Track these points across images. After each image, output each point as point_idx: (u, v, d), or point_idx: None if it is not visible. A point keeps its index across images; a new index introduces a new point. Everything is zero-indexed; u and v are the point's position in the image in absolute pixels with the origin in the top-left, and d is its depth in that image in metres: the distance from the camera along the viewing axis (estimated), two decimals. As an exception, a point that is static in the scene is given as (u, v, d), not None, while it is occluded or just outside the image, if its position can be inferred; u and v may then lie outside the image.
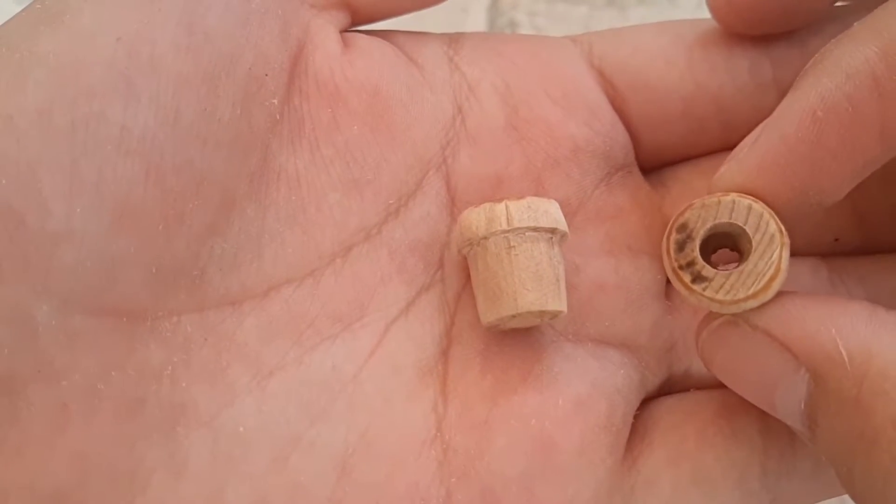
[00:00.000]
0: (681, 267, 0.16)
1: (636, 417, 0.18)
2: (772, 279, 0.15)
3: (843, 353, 0.14)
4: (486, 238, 0.17)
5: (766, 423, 0.17)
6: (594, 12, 0.45)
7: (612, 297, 0.19)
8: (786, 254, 0.16)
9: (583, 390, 0.17)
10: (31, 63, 0.15)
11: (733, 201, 0.16)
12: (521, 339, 0.18)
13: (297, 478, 0.16)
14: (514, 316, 0.17)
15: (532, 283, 0.17)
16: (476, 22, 0.44)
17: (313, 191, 0.17)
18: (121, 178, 0.15)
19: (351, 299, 0.18)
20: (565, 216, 0.18)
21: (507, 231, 0.17)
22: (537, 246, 0.17)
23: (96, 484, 0.15)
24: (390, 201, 0.18)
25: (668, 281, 0.19)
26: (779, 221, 0.16)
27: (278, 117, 0.17)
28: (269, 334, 0.17)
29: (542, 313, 0.17)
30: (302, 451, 0.16)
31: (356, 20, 0.19)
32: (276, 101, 0.17)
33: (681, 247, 0.16)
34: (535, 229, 0.17)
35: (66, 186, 0.15)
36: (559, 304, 0.17)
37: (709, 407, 0.18)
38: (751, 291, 0.16)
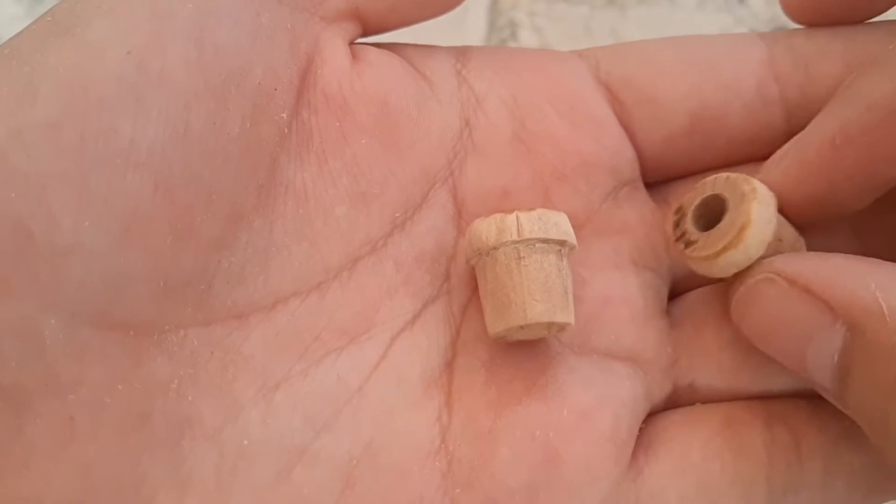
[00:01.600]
0: (677, 240, 0.18)
1: (641, 430, 0.18)
2: (742, 228, 0.17)
3: (884, 305, 0.14)
4: (495, 248, 0.17)
5: (771, 436, 0.18)
6: (594, 12, 0.45)
7: (617, 311, 0.19)
8: (760, 208, 0.17)
9: (588, 402, 0.18)
10: (40, 76, 0.15)
11: (715, 177, 0.18)
12: (526, 350, 0.18)
13: (300, 490, 0.16)
14: (522, 327, 0.17)
15: (541, 295, 0.17)
16: (476, 22, 0.44)
17: (320, 204, 0.17)
18: (130, 191, 0.15)
19: (357, 312, 0.18)
20: (573, 229, 0.18)
21: (518, 242, 0.17)
22: (547, 258, 0.17)
23: (101, 497, 0.15)
24: (397, 214, 0.18)
25: (669, 297, 0.20)
26: (755, 183, 0.17)
27: (287, 131, 0.17)
28: (276, 347, 0.17)
29: (550, 325, 0.17)
30: (306, 463, 0.17)
31: (367, 31, 0.19)
32: (284, 115, 0.17)
33: (677, 224, 0.18)
34: (545, 241, 0.17)
35: (75, 200, 0.15)
36: (567, 316, 0.17)
37: (714, 420, 0.18)
38: (725, 242, 0.17)
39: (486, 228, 0.17)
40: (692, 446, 0.18)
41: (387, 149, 0.18)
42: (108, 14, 0.16)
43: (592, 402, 0.18)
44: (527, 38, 0.44)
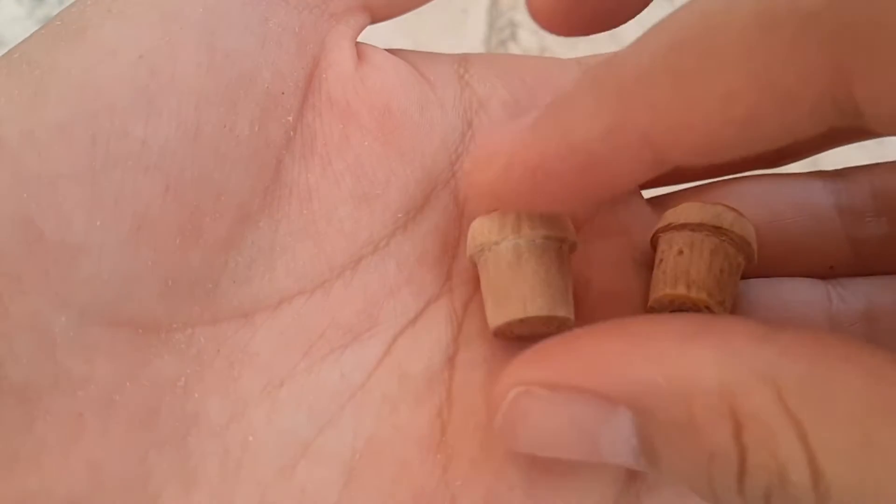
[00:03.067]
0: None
1: None
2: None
3: (662, 380, 0.13)
4: (497, 243, 0.17)
5: None
6: (593, 13, 0.45)
7: (618, 310, 0.19)
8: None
9: None
10: (51, 79, 0.15)
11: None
12: (526, 346, 0.18)
13: (304, 485, 0.17)
14: (521, 321, 0.17)
15: (541, 289, 0.17)
16: (476, 22, 0.45)
17: (324, 204, 0.18)
18: (140, 192, 0.15)
19: (360, 310, 0.18)
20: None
21: (518, 237, 0.17)
22: (547, 254, 0.17)
23: (110, 493, 0.15)
24: (399, 215, 0.18)
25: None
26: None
27: (292, 133, 0.17)
28: (280, 345, 0.17)
29: (550, 319, 0.17)
30: (310, 459, 0.17)
31: (375, 19, 0.19)
32: (290, 117, 0.17)
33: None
34: (546, 237, 0.17)
35: (86, 200, 0.15)
36: (567, 311, 0.17)
37: None
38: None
39: (488, 225, 0.17)
40: None
41: (389, 150, 0.18)
42: (119, 17, 0.16)
43: None
44: (526, 39, 0.45)
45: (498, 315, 0.17)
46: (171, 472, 0.16)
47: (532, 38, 0.45)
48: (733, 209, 0.18)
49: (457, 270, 0.19)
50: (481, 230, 0.18)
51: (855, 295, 0.19)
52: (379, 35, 0.20)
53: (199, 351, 0.16)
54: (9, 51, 0.16)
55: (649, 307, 0.18)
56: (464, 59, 0.20)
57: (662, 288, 0.18)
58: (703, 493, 0.14)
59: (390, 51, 0.19)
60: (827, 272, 0.19)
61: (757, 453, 0.13)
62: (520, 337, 0.18)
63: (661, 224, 0.18)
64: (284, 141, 0.17)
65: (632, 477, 0.18)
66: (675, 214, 0.18)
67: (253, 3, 0.17)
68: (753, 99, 0.12)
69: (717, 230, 0.18)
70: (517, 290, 0.17)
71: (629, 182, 0.15)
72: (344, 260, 0.18)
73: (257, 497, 0.16)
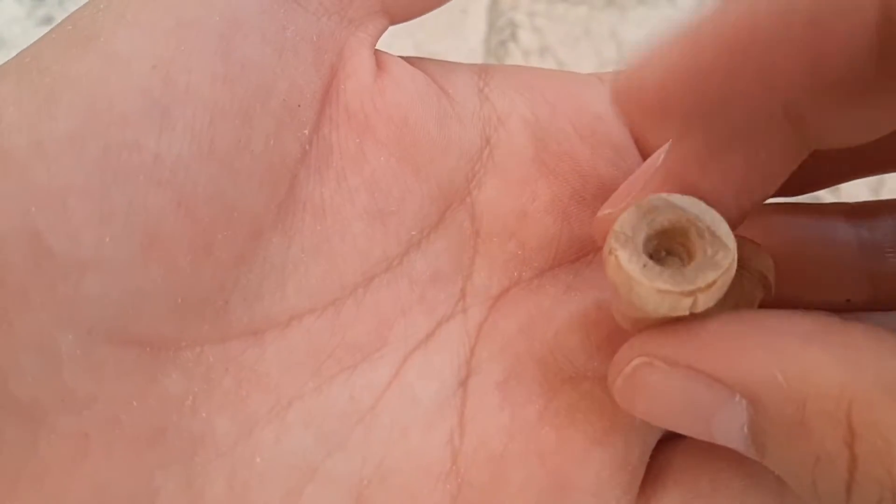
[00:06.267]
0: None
1: (652, 457, 0.18)
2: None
3: (778, 374, 0.13)
4: (656, 311, 0.15)
5: None
6: (594, 13, 0.45)
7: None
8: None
9: (600, 428, 0.17)
10: (62, 87, 0.15)
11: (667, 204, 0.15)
12: (540, 371, 0.18)
13: None
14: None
15: None
16: (476, 22, 0.44)
17: (338, 221, 0.17)
18: (152, 207, 0.15)
19: (371, 329, 0.18)
20: (587, 253, 0.18)
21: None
22: None
23: None
24: (413, 232, 0.18)
25: None
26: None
27: (308, 147, 0.17)
28: (290, 364, 0.17)
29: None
30: (317, 483, 0.16)
31: (393, 21, 0.19)
32: (306, 131, 0.17)
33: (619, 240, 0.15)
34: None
35: (96, 215, 0.15)
36: None
37: (724, 448, 0.18)
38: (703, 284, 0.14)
39: (657, 301, 0.14)
40: (702, 476, 0.18)
41: (405, 166, 0.18)
42: (133, 24, 0.15)
43: (605, 428, 0.17)
44: (526, 39, 0.44)
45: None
46: (178, 492, 0.16)
47: (532, 39, 0.44)
48: (751, 241, 0.17)
49: (471, 290, 0.18)
50: (645, 298, 0.14)
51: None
52: (405, 22, 0.19)
53: (207, 369, 0.16)
54: (18, 54, 0.16)
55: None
56: (484, 71, 0.20)
57: None
58: (807, 496, 0.14)
59: (408, 59, 0.19)
60: (843, 305, 0.19)
61: (869, 465, 0.13)
62: (535, 361, 0.18)
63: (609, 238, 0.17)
64: (300, 155, 0.17)
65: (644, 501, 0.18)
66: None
67: (270, 10, 0.16)
68: None
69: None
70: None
71: (849, 56, 0.12)
72: (356, 278, 0.18)
73: None
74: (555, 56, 0.44)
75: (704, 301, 0.14)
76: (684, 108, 0.13)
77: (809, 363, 0.13)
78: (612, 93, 0.14)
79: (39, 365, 0.14)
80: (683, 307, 0.14)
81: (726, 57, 0.13)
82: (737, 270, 0.16)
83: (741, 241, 0.16)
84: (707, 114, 0.14)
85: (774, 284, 0.18)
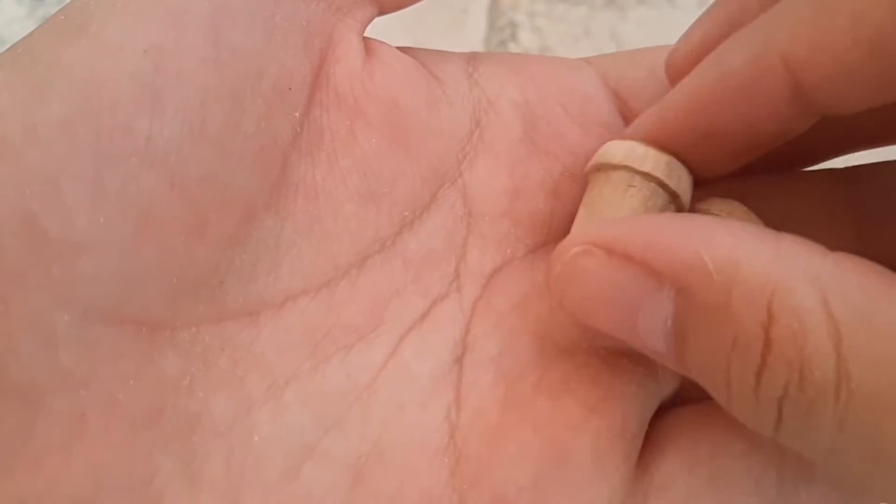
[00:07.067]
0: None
1: (650, 426, 0.18)
2: None
3: (709, 263, 0.14)
4: (615, 169, 0.17)
5: None
6: (594, 13, 0.46)
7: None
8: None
9: (596, 397, 0.18)
10: (55, 74, 0.15)
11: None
12: (535, 345, 0.18)
13: (309, 488, 0.16)
14: None
15: None
16: (476, 22, 0.45)
17: (330, 202, 0.17)
18: (145, 189, 0.15)
19: (366, 310, 0.18)
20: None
21: (637, 171, 0.17)
22: (654, 201, 0.17)
23: (113, 493, 0.15)
24: (405, 213, 0.18)
25: None
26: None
27: (299, 129, 0.17)
28: (285, 344, 0.17)
29: None
30: (315, 461, 0.17)
31: (383, 11, 0.19)
32: (297, 113, 0.17)
33: None
34: (662, 184, 0.17)
35: (90, 197, 0.15)
36: None
37: (724, 413, 0.18)
38: None
39: (616, 149, 0.17)
40: (701, 441, 0.18)
41: (396, 148, 0.18)
42: (123, 11, 0.16)
43: (601, 397, 0.17)
44: (526, 39, 0.45)
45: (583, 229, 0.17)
46: (175, 472, 0.16)
47: (532, 39, 0.45)
48: (658, 149, 0.18)
49: (464, 269, 0.19)
50: (607, 152, 0.18)
51: None
52: (378, 35, 0.20)
53: (203, 349, 0.16)
54: (12, 46, 0.16)
55: None
56: (473, 58, 0.20)
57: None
58: (719, 389, 0.15)
59: (399, 48, 0.19)
60: None
61: (782, 346, 0.13)
62: (530, 333, 0.18)
63: (591, 163, 0.18)
64: (291, 137, 0.17)
65: (640, 476, 0.18)
66: (604, 155, 0.18)
67: None
68: (879, 18, 0.13)
69: (632, 172, 0.18)
70: (611, 216, 0.17)
71: (772, 120, 0.16)
72: (350, 258, 0.18)
73: (262, 499, 0.16)
74: (555, 56, 0.44)
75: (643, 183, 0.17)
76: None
77: (740, 253, 0.14)
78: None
79: (35, 346, 0.15)
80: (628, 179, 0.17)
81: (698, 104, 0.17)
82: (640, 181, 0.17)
83: (645, 149, 0.18)
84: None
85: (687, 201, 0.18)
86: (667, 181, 0.17)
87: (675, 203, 0.17)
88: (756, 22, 0.16)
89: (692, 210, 0.18)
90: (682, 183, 0.17)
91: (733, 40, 0.16)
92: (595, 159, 0.18)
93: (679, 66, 0.18)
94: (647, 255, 0.15)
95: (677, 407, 0.19)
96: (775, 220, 0.19)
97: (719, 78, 0.16)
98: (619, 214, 0.17)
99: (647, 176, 0.17)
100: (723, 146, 0.17)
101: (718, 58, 0.16)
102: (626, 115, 0.20)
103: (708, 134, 0.17)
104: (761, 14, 0.16)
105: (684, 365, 0.15)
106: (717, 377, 0.14)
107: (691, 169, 0.18)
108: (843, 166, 0.20)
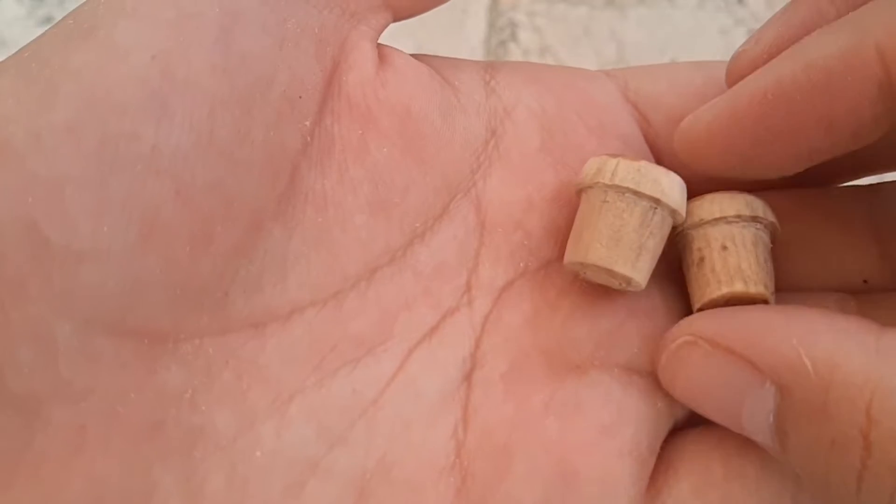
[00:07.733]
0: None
1: (662, 447, 0.18)
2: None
3: (807, 362, 0.14)
4: (590, 187, 0.17)
5: None
6: (594, 13, 0.45)
7: (641, 324, 0.18)
8: None
9: (607, 417, 0.17)
10: (61, 79, 0.14)
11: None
12: (545, 362, 0.18)
13: None
14: (583, 265, 0.17)
15: (607, 241, 0.17)
16: (476, 22, 0.44)
17: (340, 212, 0.17)
18: (150, 197, 0.15)
19: (374, 322, 0.17)
20: None
21: (608, 186, 0.17)
22: (631, 209, 0.17)
23: None
24: (417, 224, 0.18)
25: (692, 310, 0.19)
26: None
27: (309, 139, 0.17)
28: (291, 357, 0.17)
29: (611, 273, 0.17)
30: (319, 477, 0.16)
31: (397, 17, 0.19)
32: (308, 122, 0.17)
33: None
34: (636, 193, 0.17)
35: (94, 205, 0.14)
36: (630, 270, 0.17)
37: (737, 436, 0.18)
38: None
39: (590, 166, 0.18)
40: (714, 464, 0.17)
41: (408, 157, 0.18)
42: (132, 16, 0.15)
43: (612, 418, 0.17)
44: (526, 39, 0.44)
45: (568, 252, 0.18)
46: (176, 486, 0.15)
47: (532, 39, 0.44)
48: (752, 194, 0.18)
49: (476, 283, 0.18)
50: (585, 170, 0.18)
51: (879, 309, 0.19)
52: (408, 19, 0.19)
53: (206, 362, 0.16)
54: (19, 50, 0.16)
55: (698, 310, 0.18)
56: (490, 66, 0.20)
57: (717, 288, 0.17)
58: (819, 489, 0.15)
59: (414, 55, 0.19)
60: (861, 287, 0.19)
61: (883, 451, 0.13)
62: (540, 351, 0.18)
63: (692, 220, 0.18)
64: (301, 146, 0.17)
65: (650, 500, 0.17)
66: (703, 209, 0.18)
67: (271, 3, 0.16)
68: None
69: (753, 219, 0.18)
70: (587, 236, 0.17)
71: (853, 118, 0.15)
72: (359, 270, 0.17)
73: None
74: (555, 56, 0.44)
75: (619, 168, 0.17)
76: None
77: (839, 353, 0.14)
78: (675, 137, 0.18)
79: (36, 356, 0.14)
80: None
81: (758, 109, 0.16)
82: (755, 226, 0.18)
83: (749, 196, 0.18)
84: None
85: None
86: (639, 188, 0.17)
87: (659, 207, 0.17)
88: (845, 18, 0.16)
89: (693, 205, 0.18)
90: (659, 185, 0.17)
91: (820, 34, 0.16)
92: (580, 178, 0.18)
93: (746, 67, 0.18)
94: (748, 351, 0.15)
95: (691, 428, 0.18)
96: (796, 237, 0.18)
97: (804, 69, 0.15)
98: (595, 232, 0.17)
99: (617, 188, 0.17)
100: (791, 144, 0.16)
101: (803, 49, 0.16)
102: (645, 129, 0.20)
103: (779, 130, 0.16)
104: (841, 16, 0.16)
105: (788, 460, 0.15)
106: (817, 476, 0.14)
107: (748, 166, 0.17)
108: (865, 183, 0.20)
